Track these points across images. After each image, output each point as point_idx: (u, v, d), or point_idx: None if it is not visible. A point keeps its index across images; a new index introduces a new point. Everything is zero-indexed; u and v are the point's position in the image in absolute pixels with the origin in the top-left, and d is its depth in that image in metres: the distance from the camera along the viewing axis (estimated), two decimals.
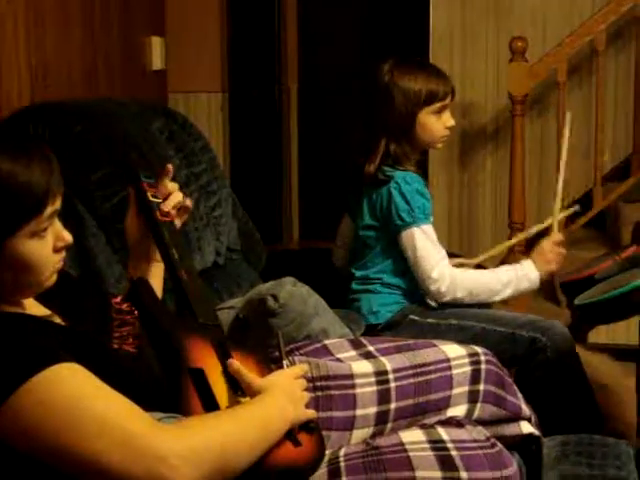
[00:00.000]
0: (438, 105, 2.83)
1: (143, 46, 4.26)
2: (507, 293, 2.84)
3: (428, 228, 2.80)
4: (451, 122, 2.88)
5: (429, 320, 2.81)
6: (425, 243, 2.78)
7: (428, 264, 2.77)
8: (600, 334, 3.99)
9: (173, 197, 2.04)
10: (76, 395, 1.47)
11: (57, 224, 1.62)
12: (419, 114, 2.83)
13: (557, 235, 2.89)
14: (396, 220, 2.79)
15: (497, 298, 2.86)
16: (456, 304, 2.83)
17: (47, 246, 1.59)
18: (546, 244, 2.87)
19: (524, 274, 2.83)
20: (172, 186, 2.06)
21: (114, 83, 3.83)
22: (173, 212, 2.04)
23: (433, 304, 2.89)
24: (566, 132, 2.94)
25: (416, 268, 2.80)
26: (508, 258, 3.95)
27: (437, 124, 2.86)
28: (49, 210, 1.56)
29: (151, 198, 2.01)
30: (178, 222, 2.08)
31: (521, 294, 2.93)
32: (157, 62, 4.40)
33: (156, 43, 4.38)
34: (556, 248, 2.86)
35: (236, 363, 1.74)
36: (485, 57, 5.12)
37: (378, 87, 2.85)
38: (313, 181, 6.44)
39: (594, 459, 2.10)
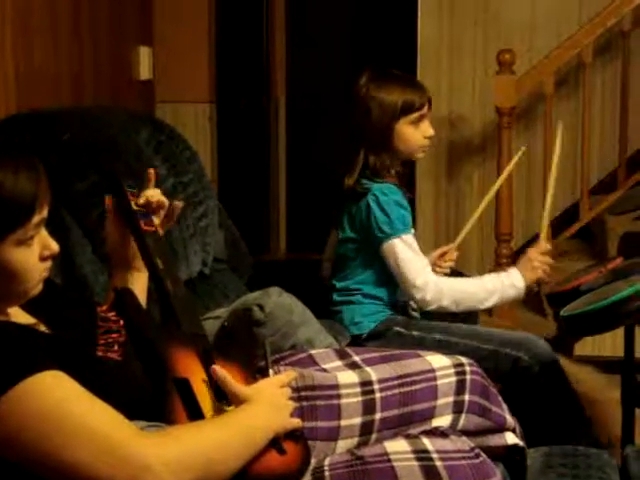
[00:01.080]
0: (415, 115, 2.84)
1: (131, 56, 4.26)
2: (492, 301, 2.84)
3: (409, 238, 2.80)
4: (430, 132, 2.89)
5: (414, 333, 2.82)
6: (407, 253, 2.78)
7: (411, 273, 2.78)
8: (586, 346, 4.00)
9: (155, 198, 2.03)
10: (60, 403, 1.46)
11: (44, 233, 1.62)
12: (396, 125, 2.83)
13: (544, 244, 2.90)
14: (376, 232, 2.80)
15: (482, 306, 2.86)
16: (441, 313, 2.83)
17: (33, 255, 1.59)
18: (532, 253, 2.87)
19: (510, 282, 2.82)
20: (153, 191, 2.05)
21: (101, 93, 3.82)
22: (157, 221, 2.03)
23: (416, 314, 2.90)
24: (557, 142, 2.94)
25: (400, 278, 2.81)
26: (495, 268, 3.97)
27: (415, 134, 2.86)
28: (36, 219, 1.56)
29: (135, 207, 2.01)
30: (162, 231, 2.07)
31: (506, 302, 2.94)
32: (145, 72, 4.39)
33: (144, 53, 4.38)
34: (542, 257, 2.87)
35: (220, 370, 1.74)
36: (472, 69, 5.14)
37: (355, 100, 2.86)
38: (301, 192, 6.44)
39: (578, 470, 2.11)
